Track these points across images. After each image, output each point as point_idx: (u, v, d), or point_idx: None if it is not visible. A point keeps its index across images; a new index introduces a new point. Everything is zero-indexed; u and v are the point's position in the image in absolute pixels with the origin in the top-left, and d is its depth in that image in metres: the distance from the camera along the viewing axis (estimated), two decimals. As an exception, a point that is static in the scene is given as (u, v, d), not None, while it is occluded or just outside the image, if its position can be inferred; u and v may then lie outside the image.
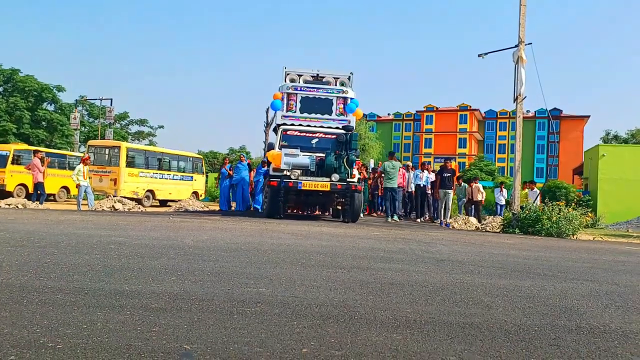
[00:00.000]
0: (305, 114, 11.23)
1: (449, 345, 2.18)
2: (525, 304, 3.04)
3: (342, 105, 11.32)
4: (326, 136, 11.01)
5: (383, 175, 13.50)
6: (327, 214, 13.56)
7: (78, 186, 14.47)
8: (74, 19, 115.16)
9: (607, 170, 26.70)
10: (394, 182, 12.67)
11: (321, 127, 11.13)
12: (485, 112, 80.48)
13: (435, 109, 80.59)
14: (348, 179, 10.00)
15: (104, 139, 33.15)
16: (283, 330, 2.28)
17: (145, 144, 53.77)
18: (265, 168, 15.78)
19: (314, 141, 10.96)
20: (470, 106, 77.77)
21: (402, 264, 4.11)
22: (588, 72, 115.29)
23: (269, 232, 5.96)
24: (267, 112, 23.24)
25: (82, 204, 13.98)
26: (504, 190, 17.52)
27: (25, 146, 26.73)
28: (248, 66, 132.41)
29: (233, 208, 16.09)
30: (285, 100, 11.15)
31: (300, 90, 11.33)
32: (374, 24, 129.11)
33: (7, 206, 12.42)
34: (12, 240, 4.34)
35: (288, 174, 9.86)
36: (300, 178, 9.80)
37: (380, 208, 15.81)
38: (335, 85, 12.01)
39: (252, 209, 15.63)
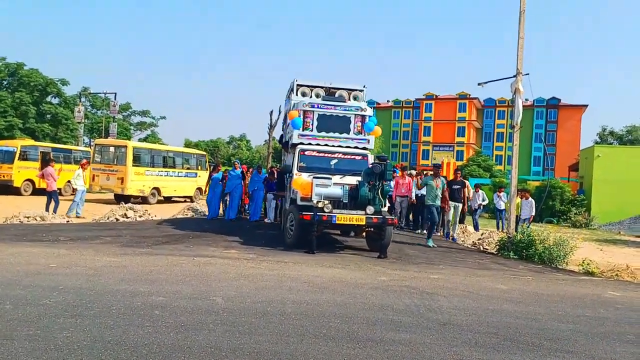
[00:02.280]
0: (323, 133, 11.00)
1: None
2: (514, 390, 3.68)
3: (360, 123, 11.16)
4: (345, 157, 10.91)
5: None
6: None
7: (74, 191, 15.21)
8: (74, 10, 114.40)
9: (601, 171, 27.46)
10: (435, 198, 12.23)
11: (339, 146, 11.01)
12: (484, 101, 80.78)
13: (434, 97, 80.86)
14: (382, 211, 9.76)
15: (108, 132, 33.78)
16: None
17: (147, 135, 54.46)
18: (262, 175, 16.05)
19: (333, 162, 10.80)
20: (469, 94, 78.14)
21: (410, 333, 4.74)
22: (587, 64, 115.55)
23: (286, 281, 6.58)
24: (270, 114, 23.77)
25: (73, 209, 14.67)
26: (503, 194, 17.94)
27: (31, 142, 27.36)
28: (249, 55, 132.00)
29: (221, 213, 16.36)
30: (301, 117, 10.98)
31: (318, 107, 11.07)
32: (375, 10, 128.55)
33: (26, 219, 13.07)
34: (68, 307, 4.95)
35: (321, 206, 9.39)
36: (334, 211, 9.43)
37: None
38: (349, 99, 11.93)
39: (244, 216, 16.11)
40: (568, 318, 5.67)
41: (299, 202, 9.88)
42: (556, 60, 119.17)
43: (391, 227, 9.90)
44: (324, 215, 9.30)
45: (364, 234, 11.28)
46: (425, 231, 15.08)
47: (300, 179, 10.07)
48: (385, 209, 10.00)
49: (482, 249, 12.35)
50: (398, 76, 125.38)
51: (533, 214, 16.40)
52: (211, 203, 16.18)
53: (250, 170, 17.39)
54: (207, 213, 16.48)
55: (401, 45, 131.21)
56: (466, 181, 16.81)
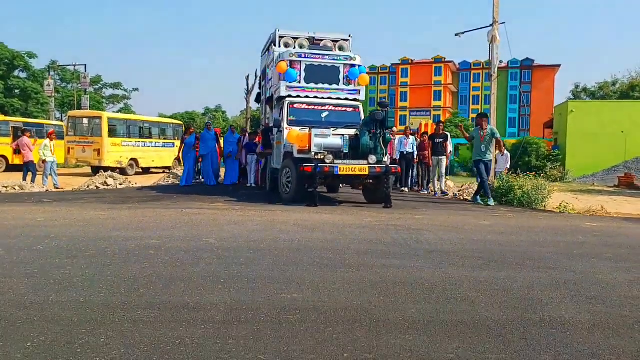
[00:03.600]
0: (312, 84, 10.48)
1: (447, 344, 2.98)
2: (501, 297, 3.88)
3: (347, 73, 10.71)
4: (336, 109, 10.52)
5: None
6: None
7: (44, 162, 14.73)
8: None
9: (575, 126, 28.08)
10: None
11: (329, 98, 10.59)
12: (459, 64, 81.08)
13: (410, 61, 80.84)
14: (384, 160, 9.49)
15: (80, 106, 33.07)
16: (324, 337, 3.04)
17: (120, 108, 53.50)
18: (236, 135, 15.44)
19: (324, 115, 10.36)
20: (444, 58, 78.32)
21: (400, 259, 4.92)
22: (560, 22, 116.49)
23: (277, 224, 6.71)
24: (247, 78, 23.53)
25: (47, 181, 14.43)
26: None
27: (2, 117, 26.65)
28: (220, 21, 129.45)
29: (199, 181, 15.28)
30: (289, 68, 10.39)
31: (305, 57, 10.54)
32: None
33: (4, 189, 12.87)
34: (62, 250, 5.00)
35: (321, 157, 8.97)
36: (335, 162, 9.04)
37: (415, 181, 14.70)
38: (334, 49, 11.45)
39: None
40: (549, 244, 5.93)
41: (295, 155, 9.39)
42: (529, 20, 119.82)
43: (393, 177, 9.57)
44: (326, 167, 8.89)
45: (360, 187, 10.73)
46: (408, 189, 14.79)
47: (296, 132, 9.56)
48: (387, 158, 9.69)
49: (462, 199, 12.61)
50: (373, 41, 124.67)
51: (508, 166, 16.65)
52: (185, 168, 15.05)
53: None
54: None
55: (375, 9, 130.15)
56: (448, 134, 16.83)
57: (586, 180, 25.39)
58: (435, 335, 3.12)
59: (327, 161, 8.97)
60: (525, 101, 74.75)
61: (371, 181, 9.87)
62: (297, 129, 9.74)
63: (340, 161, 9.14)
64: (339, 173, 9.01)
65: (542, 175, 25.28)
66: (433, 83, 76.93)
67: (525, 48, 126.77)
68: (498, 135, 10.85)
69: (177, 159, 15.31)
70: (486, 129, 10.76)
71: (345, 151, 9.35)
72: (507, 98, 76.92)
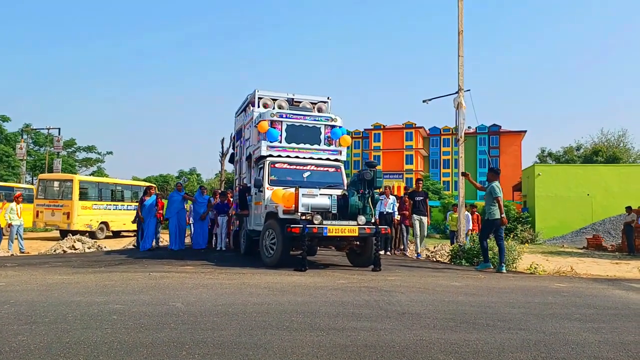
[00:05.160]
0: (293, 144, 10.35)
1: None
2: (472, 360, 3.83)
3: (329, 134, 10.68)
4: (318, 169, 10.37)
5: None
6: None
7: (9, 226, 14.19)
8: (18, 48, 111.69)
9: (543, 189, 28.78)
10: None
11: (310, 158, 10.45)
12: (429, 129, 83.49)
13: (382, 127, 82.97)
14: (373, 221, 9.24)
15: (52, 168, 32.69)
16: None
17: (93, 171, 53.09)
18: (207, 196, 14.46)
19: (305, 174, 10.16)
20: (415, 124, 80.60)
21: (371, 322, 4.85)
22: (524, 90, 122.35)
23: (246, 287, 6.58)
24: (222, 142, 23.73)
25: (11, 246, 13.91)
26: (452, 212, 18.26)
27: (-31, 180, 26.08)
28: (197, 87, 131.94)
29: (155, 245, 13.94)
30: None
31: (286, 117, 10.43)
32: (327, 45, 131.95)
33: (-33, 253, 12.43)
34: (21, 316, 4.80)
35: (309, 217, 8.58)
36: (324, 223, 8.67)
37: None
38: (314, 111, 11.38)
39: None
40: (519, 304, 5.94)
41: (281, 216, 8.94)
42: (494, 89, 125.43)
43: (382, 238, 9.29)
44: (315, 228, 8.48)
45: (346, 249, 10.22)
46: (393, 252, 13.49)
47: (281, 191, 9.20)
48: (373, 220, 9.37)
49: (435, 260, 12.65)
50: (346, 107, 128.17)
51: (470, 227, 16.60)
52: (147, 233, 13.66)
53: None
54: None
55: (348, 78, 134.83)
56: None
57: (556, 242, 25.79)
58: (405, 400, 3.05)
59: (316, 222, 8.59)
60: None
61: (358, 243, 9.55)
62: (280, 188, 9.44)
63: (328, 222, 8.82)
64: (328, 234, 8.64)
65: (513, 236, 25.66)
66: (405, 147, 78.89)
67: (492, 114, 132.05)
68: (496, 194, 9.62)
69: (134, 221, 14.00)
70: (490, 184, 9.87)
71: (333, 211, 9.06)
72: (477, 162, 79.01)
